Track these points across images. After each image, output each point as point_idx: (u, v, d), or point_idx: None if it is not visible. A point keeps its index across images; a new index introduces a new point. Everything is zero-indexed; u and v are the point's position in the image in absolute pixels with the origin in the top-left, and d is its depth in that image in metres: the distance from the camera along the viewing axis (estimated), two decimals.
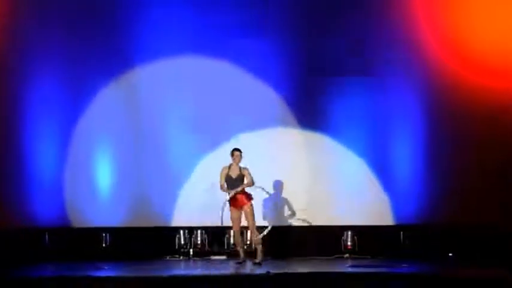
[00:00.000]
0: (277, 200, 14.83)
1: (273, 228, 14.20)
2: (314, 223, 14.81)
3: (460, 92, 14.73)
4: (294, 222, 14.85)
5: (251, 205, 13.35)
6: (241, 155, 13.39)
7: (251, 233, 13.54)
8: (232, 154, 13.45)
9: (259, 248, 13.43)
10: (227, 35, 14.94)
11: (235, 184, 13.31)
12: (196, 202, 14.80)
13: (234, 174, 13.37)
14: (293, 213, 14.82)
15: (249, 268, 13.04)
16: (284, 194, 14.90)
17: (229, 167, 13.43)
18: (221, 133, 14.89)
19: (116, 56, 14.96)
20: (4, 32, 14.79)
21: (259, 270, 12.23)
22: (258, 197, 14.17)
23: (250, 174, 13.34)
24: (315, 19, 14.93)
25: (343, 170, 14.92)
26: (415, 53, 14.85)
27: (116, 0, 15.00)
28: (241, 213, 13.36)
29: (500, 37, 14.76)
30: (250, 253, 13.87)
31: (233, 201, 13.32)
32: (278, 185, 14.87)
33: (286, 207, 14.87)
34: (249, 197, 13.39)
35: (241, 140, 14.55)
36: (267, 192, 13.97)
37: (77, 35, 14.88)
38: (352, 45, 14.87)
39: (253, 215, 13.32)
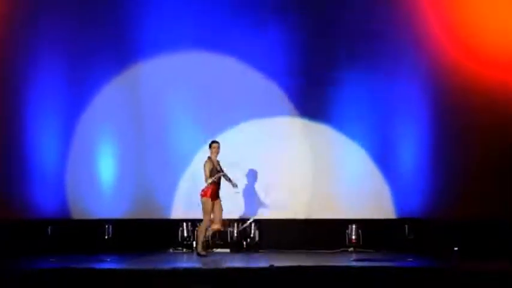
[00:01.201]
0: (278, 192, 14.83)
1: (277, 221, 14.26)
2: (318, 216, 14.77)
3: (465, 85, 14.70)
4: (297, 215, 14.80)
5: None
6: (219, 146, 13.57)
7: (216, 224, 13.56)
8: (210, 146, 13.59)
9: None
10: (230, 29, 14.90)
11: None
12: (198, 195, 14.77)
13: (217, 166, 13.55)
14: (295, 206, 14.80)
15: (246, 260, 13.03)
16: (287, 187, 14.88)
17: (210, 159, 13.50)
18: (223, 125, 14.88)
19: (119, 51, 14.96)
20: (6, 26, 14.80)
21: (263, 264, 12.17)
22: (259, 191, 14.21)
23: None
24: (321, 11, 14.87)
25: (346, 162, 14.89)
26: (421, 45, 14.80)
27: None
28: (213, 205, 13.48)
29: (508, 30, 14.69)
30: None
31: (213, 193, 13.37)
32: (282, 177, 14.85)
33: (287, 200, 14.83)
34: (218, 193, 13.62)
35: (243, 131, 14.61)
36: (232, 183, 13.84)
37: (80, 29, 14.86)
38: (357, 38, 14.80)
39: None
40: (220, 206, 13.53)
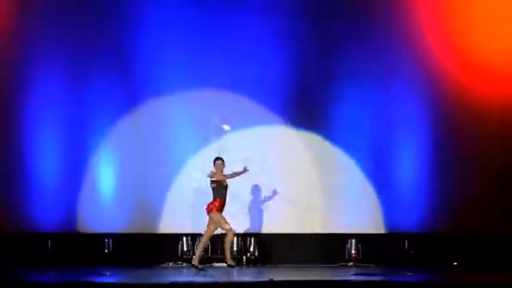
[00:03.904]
0: (275, 206, 14.87)
1: (276, 235, 14.51)
2: (314, 231, 14.77)
3: (464, 100, 14.77)
4: (296, 229, 14.81)
5: None
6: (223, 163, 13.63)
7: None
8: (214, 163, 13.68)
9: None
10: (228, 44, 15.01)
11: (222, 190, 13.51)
12: (200, 209, 14.75)
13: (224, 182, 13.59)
14: (293, 220, 14.82)
15: (245, 274, 13.04)
16: (282, 201, 14.93)
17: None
18: (223, 141, 14.91)
19: (118, 59, 15.02)
20: (8, 36, 14.96)
21: (263, 278, 12.17)
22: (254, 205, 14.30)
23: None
24: (317, 22, 14.91)
25: (343, 176, 14.93)
26: (419, 62, 14.85)
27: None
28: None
29: (505, 45, 14.75)
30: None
31: (214, 207, 13.43)
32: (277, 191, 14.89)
33: (285, 214, 14.84)
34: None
35: (237, 144, 14.72)
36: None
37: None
38: (355, 52, 14.82)
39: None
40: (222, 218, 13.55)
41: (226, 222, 13.47)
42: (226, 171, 13.66)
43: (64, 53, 14.94)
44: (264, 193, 14.86)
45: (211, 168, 13.62)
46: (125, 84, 15.01)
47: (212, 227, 13.61)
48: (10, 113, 14.94)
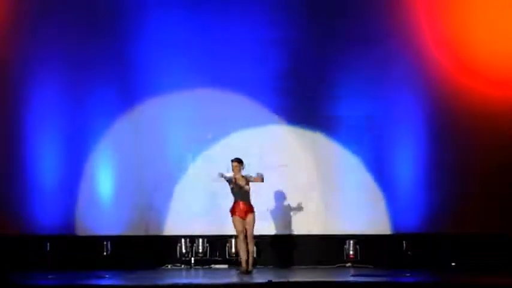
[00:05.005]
0: (274, 207, 14.86)
1: (274, 237, 14.51)
2: (315, 232, 14.77)
3: (462, 99, 14.74)
4: (295, 230, 14.82)
5: (253, 216, 13.27)
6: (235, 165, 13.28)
7: (250, 242, 13.35)
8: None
9: (251, 257, 13.38)
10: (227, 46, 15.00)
11: (241, 192, 13.21)
12: (198, 211, 14.78)
13: (241, 182, 13.25)
14: (294, 221, 14.81)
15: (248, 277, 13.01)
16: (282, 201, 14.91)
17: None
18: (222, 142, 14.92)
19: (120, 64, 15.00)
20: (7, 37, 14.99)
21: (261, 279, 12.17)
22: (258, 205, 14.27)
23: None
24: (317, 24, 14.92)
25: (342, 175, 14.89)
26: (420, 61, 14.83)
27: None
28: (244, 222, 13.27)
29: (503, 45, 14.76)
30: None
31: (237, 211, 13.23)
32: (276, 191, 14.89)
33: (287, 215, 14.85)
34: (252, 208, 13.31)
35: (237, 144, 14.67)
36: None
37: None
38: (355, 52, 14.83)
39: (253, 225, 13.25)
40: (251, 221, 13.20)
41: (239, 231, 13.15)
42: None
43: (63, 55, 14.93)
44: (264, 194, 14.81)
45: (229, 171, 13.28)
46: (124, 84, 15.00)
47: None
48: (9, 114, 14.93)
